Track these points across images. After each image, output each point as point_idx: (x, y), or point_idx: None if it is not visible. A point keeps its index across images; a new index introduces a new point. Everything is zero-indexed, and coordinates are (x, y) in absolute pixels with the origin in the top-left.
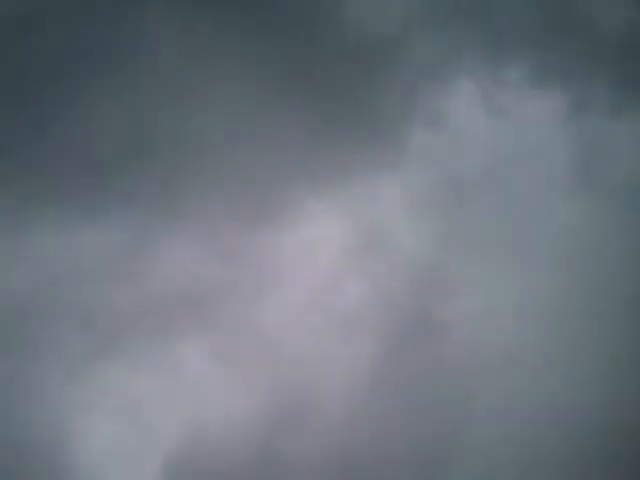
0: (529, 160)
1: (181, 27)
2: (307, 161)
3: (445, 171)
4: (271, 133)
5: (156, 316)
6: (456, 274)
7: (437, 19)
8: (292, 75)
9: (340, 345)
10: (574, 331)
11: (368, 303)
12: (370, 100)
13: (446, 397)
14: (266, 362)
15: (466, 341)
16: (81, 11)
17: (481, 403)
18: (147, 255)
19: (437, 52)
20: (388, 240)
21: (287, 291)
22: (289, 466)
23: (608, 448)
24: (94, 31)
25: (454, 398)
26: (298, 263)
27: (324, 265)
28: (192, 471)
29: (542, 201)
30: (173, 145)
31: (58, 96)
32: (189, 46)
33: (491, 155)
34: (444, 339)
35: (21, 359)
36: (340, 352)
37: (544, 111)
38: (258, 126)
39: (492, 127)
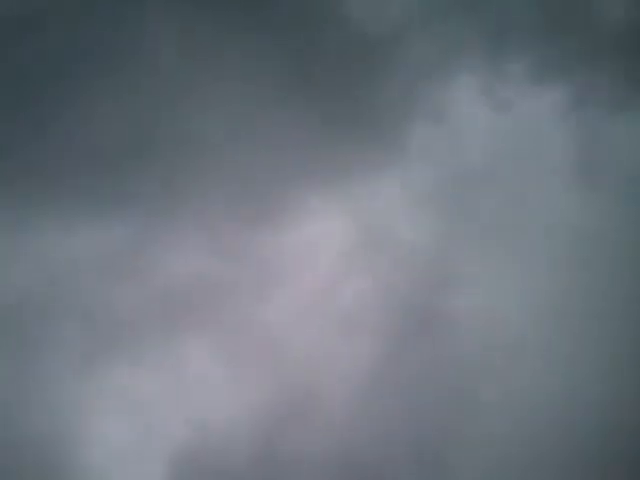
0: (530, 155)
1: (181, 27)
2: (307, 161)
3: (446, 167)
4: (271, 133)
5: (157, 316)
6: (456, 273)
7: (437, 15)
8: (292, 75)
9: (342, 343)
10: (574, 331)
11: (370, 301)
12: (370, 99)
13: (446, 397)
14: (269, 361)
15: (466, 342)
16: (81, 11)
17: (481, 403)
18: (148, 254)
19: (438, 48)
20: (389, 238)
21: (289, 290)
22: (292, 465)
23: (608, 448)
24: (94, 31)
25: (453, 398)
26: (300, 262)
27: (326, 264)
28: (196, 469)
29: (543, 196)
30: (173, 145)
31: (58, 96)
32: (189, 46)
33: (492, 150)
34: (444, 339)
35: (21, 359)
36: (342, 350)
37: (545, 106)
38: (258, 126)
39: (493, 122)
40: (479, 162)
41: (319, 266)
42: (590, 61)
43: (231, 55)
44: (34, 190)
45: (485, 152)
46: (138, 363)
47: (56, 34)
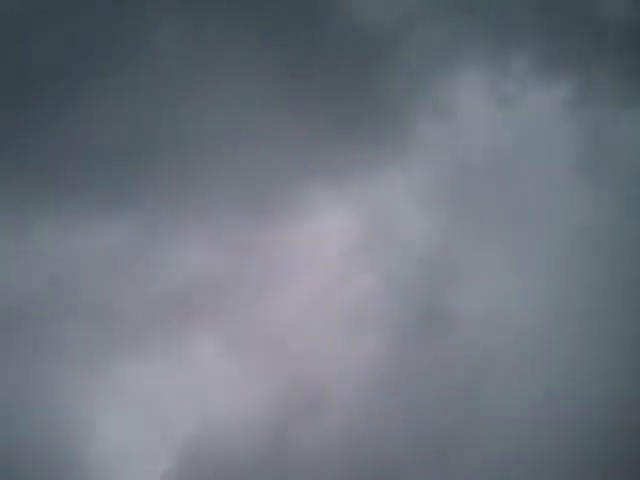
0: (533, 153)
1: (181, 27)
2: (309, 160)
3: (449, 165)
4: (271, 133)
5: (159, 315)
6: (458, 273)
7: (439, 12)
8: (292, 75)
9: (350, 339)
10: (574, 331)
11: (376, 297)
12: (372, 96)
13: (446, 397)
14: (274, 359)
15: (466, 342)
16: (81, 11)
17: (481, 402)
18: (148, 254)
19: (440, 45)
20: (392, 236)
21: (293, 288)
22: (297, 462)
23: (608, 448)
24: (94, 31)
25: (454, 398)
26: (303, 261)
27: (329, 263)
28: (201, 467)
29: (544, 194)
30: (173, 145)
31: (58, 96)
32: (189, 46)
33: (495, 148)
34: (444, 339)
35: (21, 359)
36: (350, 347)
37: (548, 103)
38: (258, 126)
39: (496, 120)
40: (481, 160)
41: (323, 265)
42: (593, 58)
43: (231, 55)
44: (34, 190)
45: (487, 150)
46: (139, 363)
47: (56, 34)
